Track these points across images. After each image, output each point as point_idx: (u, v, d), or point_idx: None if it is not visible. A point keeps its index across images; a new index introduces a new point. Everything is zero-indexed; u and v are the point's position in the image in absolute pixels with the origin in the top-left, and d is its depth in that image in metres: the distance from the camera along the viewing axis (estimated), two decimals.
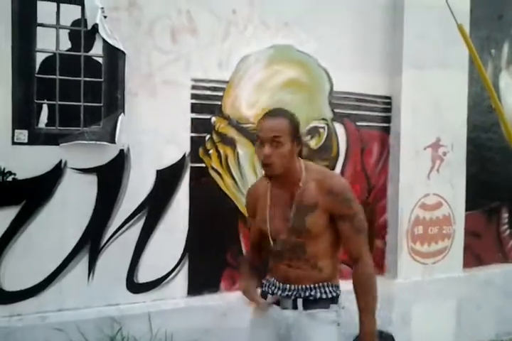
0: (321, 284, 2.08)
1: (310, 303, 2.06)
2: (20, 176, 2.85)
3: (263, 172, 2.08)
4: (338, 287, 2.12)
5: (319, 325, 2.05)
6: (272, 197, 2.11)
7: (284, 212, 2.08)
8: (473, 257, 4.40)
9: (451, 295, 4.14)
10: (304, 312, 2.06)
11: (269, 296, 2.12)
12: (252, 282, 2.15)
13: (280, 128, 1.98)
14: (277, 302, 2.10)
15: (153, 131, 3.17)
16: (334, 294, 2.09)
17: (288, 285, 2.09)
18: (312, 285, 2.07)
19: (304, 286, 2.07)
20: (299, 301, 2.07)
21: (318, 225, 2.04)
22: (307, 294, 2.07)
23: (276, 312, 2.09)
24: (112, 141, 3.02)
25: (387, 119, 4.00)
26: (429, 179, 4.05)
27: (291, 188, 2.07)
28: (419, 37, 3.92)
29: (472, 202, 4.29)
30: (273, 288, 2.13)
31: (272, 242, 2.10)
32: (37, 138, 2.88)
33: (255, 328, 2.16)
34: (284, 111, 2.09)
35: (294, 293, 2.08)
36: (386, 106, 3.99)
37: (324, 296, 2.07)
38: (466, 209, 4.25)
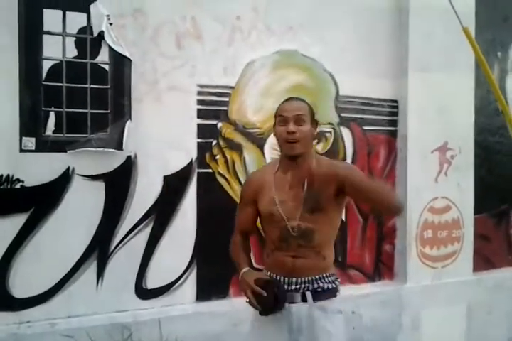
0: (325, 274, 2.10)
1: (318, 295, 2.08)
2: (28, 183, 2.87)
3: (284, 151, 2.10)
4: (336, 275, 2.16)
5: (330, 316, 2.07)
6: (280, 180, 2.12)
7: (296, 195, 2.07)
8: (483, 261, 4.37)
9: (461, 299, 4.11)
10: (315, 305, 2.06)
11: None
12: (249, 268, 2.13)
13: (303, 107, 2.11)
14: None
15: (160, 137, 3.17)
16: (337, 283, 2.14)
17: (295, 279, 2.08)
18: (318, 276, 2.09)
19: (310, 278, 2.08)
20: (308, 294, 2.07)
21: (329, 205, 2.05)
22: (315, 286, 2.08)
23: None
24: (119, 147, 3.04)
25: (394, 123, 3.99)
26: (437, 182, 4.03)
27: (304, 172, 2.05)
28: (425, 40, 3.91)
29: (481, 205, 4.27)
30: None
31: (277, 229, 2.08)
32: (44, 146, 2.89)
33: (262, 325, 2.10)
34: (301, 98, 2.21)
35: (302, 286, 2.07)
36: (392, 109, 3.98)
37: (330, 286, 2.10)
38: (475, 213, 4.23)
